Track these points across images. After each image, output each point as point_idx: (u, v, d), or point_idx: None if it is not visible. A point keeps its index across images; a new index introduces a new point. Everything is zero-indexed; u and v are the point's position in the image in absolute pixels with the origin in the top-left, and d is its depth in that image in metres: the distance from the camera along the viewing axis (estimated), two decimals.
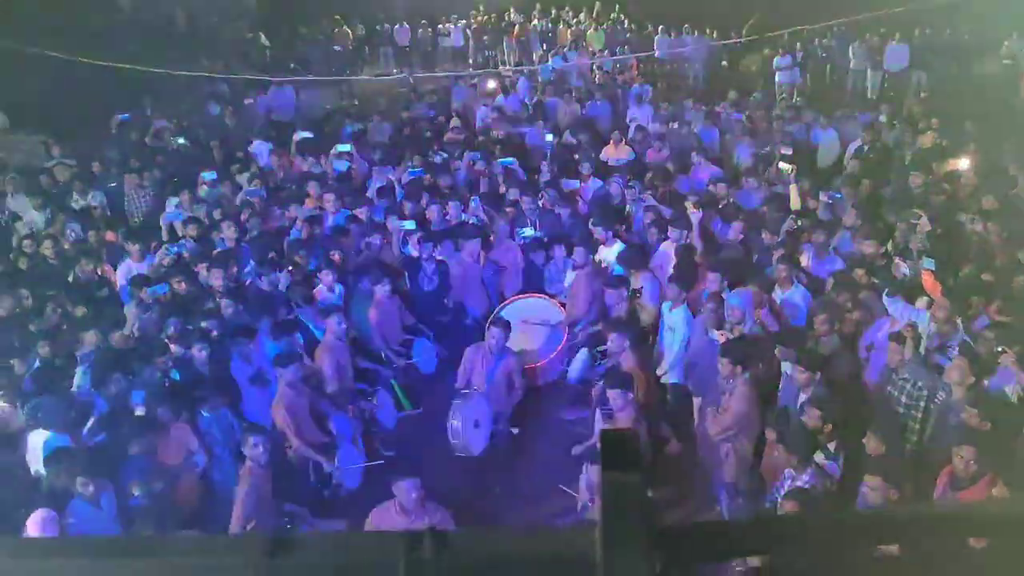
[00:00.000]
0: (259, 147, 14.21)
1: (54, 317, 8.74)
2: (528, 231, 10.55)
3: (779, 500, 6.41)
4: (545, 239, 10.37)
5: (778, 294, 8.71)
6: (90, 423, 7.38)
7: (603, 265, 9.92)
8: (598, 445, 1.20)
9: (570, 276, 9.91)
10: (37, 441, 6.97)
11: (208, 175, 11.92)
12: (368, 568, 1.16)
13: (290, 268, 9.59)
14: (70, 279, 9.83)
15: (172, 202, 11.63)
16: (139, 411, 7.42)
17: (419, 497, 6.39)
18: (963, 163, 10.95)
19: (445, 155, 13.23)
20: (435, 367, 9.76)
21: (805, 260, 9.33)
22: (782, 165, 11.37)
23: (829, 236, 9.40)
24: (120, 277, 9.93)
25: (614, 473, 1.14)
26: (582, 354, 9.26)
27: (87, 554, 1.25)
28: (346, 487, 8.02)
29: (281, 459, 7.54)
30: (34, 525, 5.96)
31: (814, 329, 8.08)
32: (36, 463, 6.83)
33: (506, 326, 8.54)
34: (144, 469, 6.92)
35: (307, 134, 13.49)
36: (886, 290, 8.07)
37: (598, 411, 8.04)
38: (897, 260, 8.49)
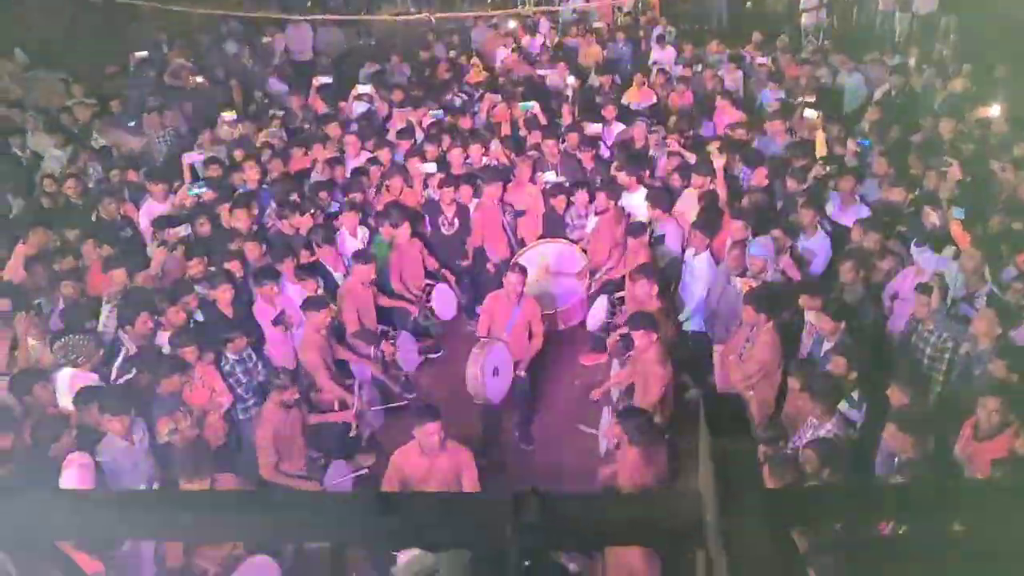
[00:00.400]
0: (276, 86, 14.07)
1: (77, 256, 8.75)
2: (550, 175, 10.45)
3: (800, 448, 6.44)
4: (567, 184, 10.26)
5: (801, 241, 8.64)
6: (118, 362, 7.45)
7: (625, 211, 9.84)
8: (701, 407, 1.19)
9: (592, 222, 9.84)
10: (65, 379, 7.04)
11: (228, 115, 11.80)
12: (475, 529, 1.16)
13: (312, 212, 9.53)
14: (94, 219, 9.81)
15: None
16: (165, 350, 7.48)
17: (440, 439, 6.46)
18: (994, 110, 10.74)
19: (466, 97, 13.06)
20: (454, 312, 9.75)
21: (831, 208, 9.23)
22: (808, 112, 11.17)
23: (856, 184, 9.28)
24: (143, 217, 9.91)
25: (724, 438, 1.13)
26: (601, 302, 9.24)
27: (190, 508, 1.25)
28: (368, 429, 8.10)
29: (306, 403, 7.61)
30: (71, 472, 6.06)
31: (839, 278, 8.04)
32: (65, 400, 6.91)
33: (523, 272, 8.45)
34: (172, 408, 7.00)
35: (327, 79, 13.29)
36: (914, 240, 7.99)
37: (615, 360, 8.09)
38: (926, 209, 8.39)
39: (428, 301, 9.52)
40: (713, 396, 1.22)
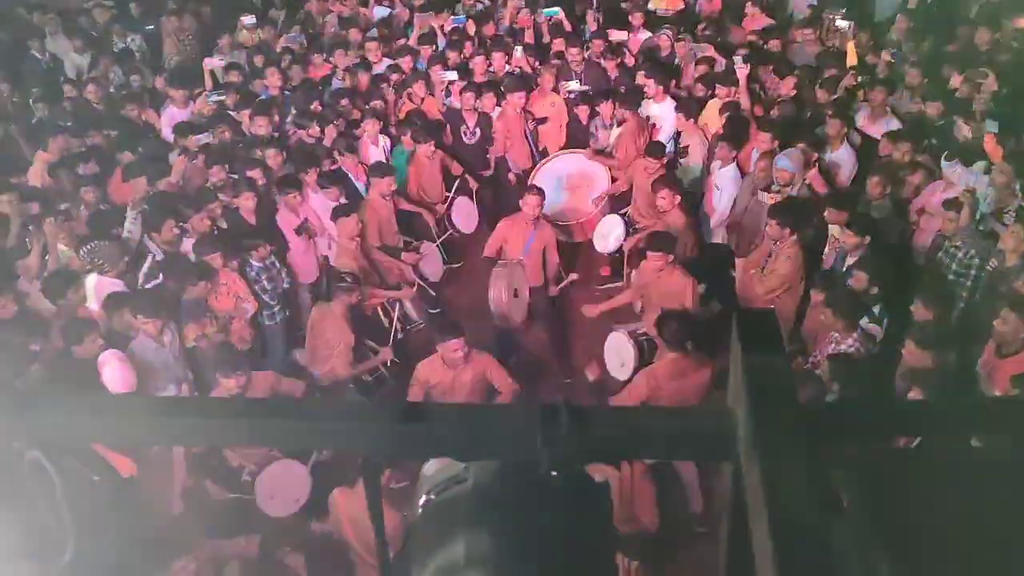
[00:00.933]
0: None
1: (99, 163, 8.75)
2: (573, 84, 10.24)
3: (821, 363, 6.46)
4: (591, 93, 10.06)
5: (828, 154, 8.48)
6: (144, 268, 7.51)
7: (651, 121, 9.66)
8: (733, 322, 1.18)
9: (616, 132, 9.68)
10: (92, 284, 7.13)
11: (248, 19, 11.58)
12: (507, 438, 1.17)
13: (334, 121, 9.42)
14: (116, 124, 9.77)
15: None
16: (191, 258, 7.53)
17: (464, 355, 6.54)
18: None
19: (488, 2, 12.71)
20: (475, 226, 9.67)
21: (861, 120, 9.03)
22: (839, 20, 10.83)
23: (887, 95, 9.05)
24: (164, 124, 9.85)
25: (756, 354, 1.12)
26: (613, 220, 9.07)
27: (218, 414, 1.27)
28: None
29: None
30: (112, 367, 6.17)
31: (866, 192, 7.91)
32: (94, 304, 7.01)
33: (541, 194, 8.21)
34: (199, 315, 7.09)
35: None
36: (944, 154, 7.83)
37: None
38: (958, 122, 8.19)
39: (449, 214, 9.44)
40: (745, 310, 1.20)
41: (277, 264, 7.93)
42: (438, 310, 8.89)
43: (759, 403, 1.10)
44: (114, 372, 6.19)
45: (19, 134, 9.83)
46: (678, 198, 8.12)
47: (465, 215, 9.60)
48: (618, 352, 7.35)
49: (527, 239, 8.23)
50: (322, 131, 9.34)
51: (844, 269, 7.25)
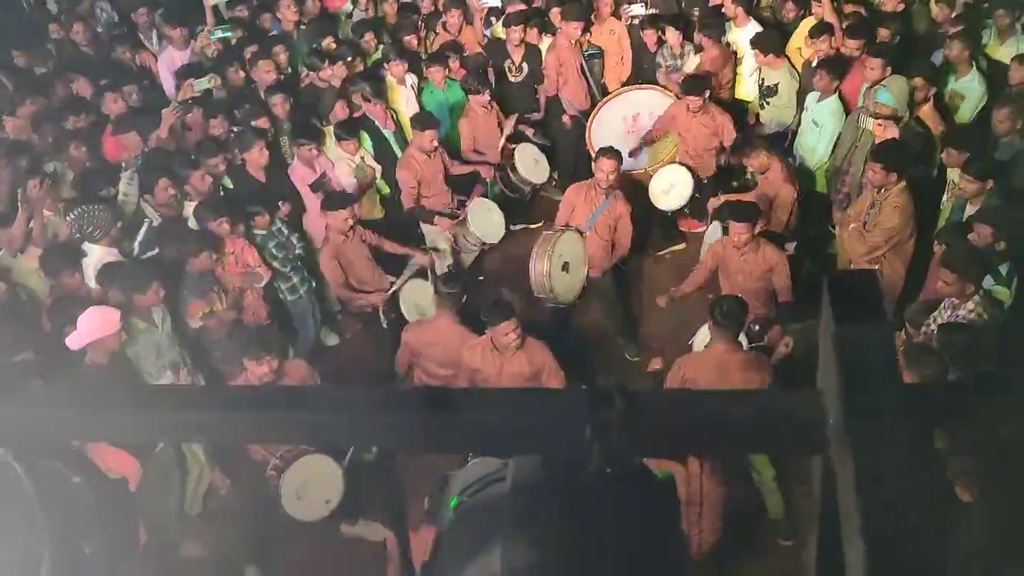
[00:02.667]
0: None
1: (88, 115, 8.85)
2: (637, 8, 10.09)
3: (931, 332, 6.34)
4: (658, 16, 9.91)
5: (950, 83, 8.26)
6: (140, 236, 7.61)
7: (731, 50, 9.50)
8: (824, 288, 1.13)
9: (692, 62, 9.53)
10: (91, 258, 7.20)
11: None
12: (550, 429, 1.15)
13: (350, 58, 9.39)
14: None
15: None
16: (192, 223, 7.62)
17: (518, 339, 6.53)
18: None
19: None
20: (546, 174, 9.46)
21: (987, 40, 8.78)
22: None
23: (1018, 14, 8.76)
24: (162, 68, 9.94)
25: (852, 324, 1.07)
26: (674, 171, 8.86)
27: (225, 406, 1.26)
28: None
29: None
30: (91, 323, 6.24)
31: (991, 128, 7.71)
32: (92, 281, 7.10)
33: (617, 158, 8.02)
34: (205, 289, 7.18)
35: None
36: None
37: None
38: None
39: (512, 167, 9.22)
40: (839, 272, 1.16)
41: (285, 231, 7.99)
42: (482, 278, 8.88)
43: (854, 383, 1.06)
44: (91, 316, 6.26)
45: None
46: (775, 157, 8.00)
47: (532, 160, 9.31)
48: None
49: (595, 209, 8.13)
50: (331, 74, 9.32)
51: (963, 220, 7.09)
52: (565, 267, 7.86)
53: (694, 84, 8.70)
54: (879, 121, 7.85)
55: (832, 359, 1.10)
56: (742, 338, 6.57)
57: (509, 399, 1.25)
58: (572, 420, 1.16)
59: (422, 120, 8.68)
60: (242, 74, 9.25)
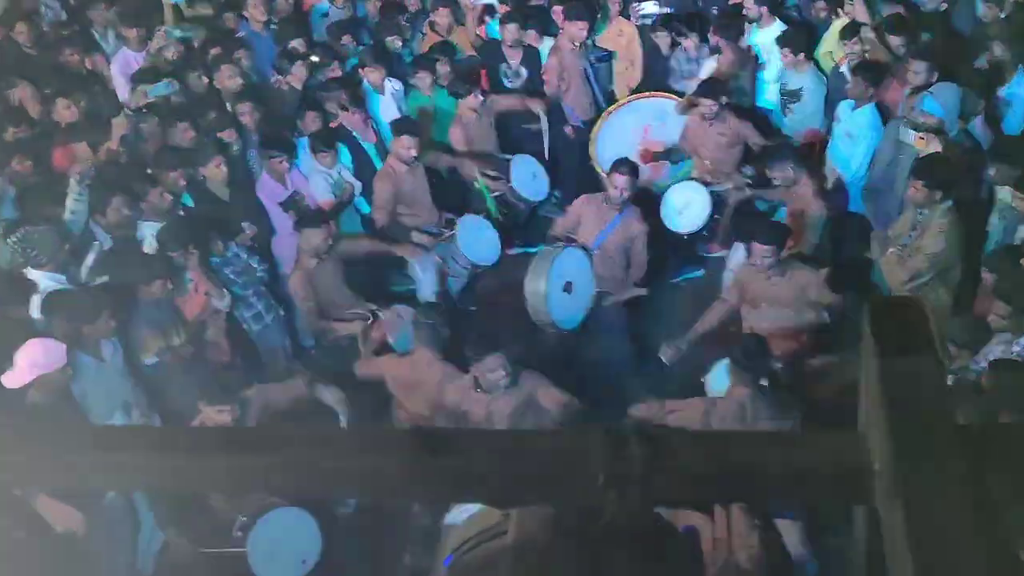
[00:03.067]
0: None
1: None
2: (649, 6, 10.17)
3: (982, 371, 6.33)
4: (673, 16, 9.99)
5: (1000, 90, 8.31)
6: (90, 260, 7.59)
7: (752, 53, 9.57)
8: (865, 316, 1.13)
9: (708, 67, 9.59)
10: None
11: None
12: (559, 475, 1.13)
13: (320, 60, 9.47)
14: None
15: None
16: (148, 245, 7.61)
17: (504, 376, 6.50)
18: None
19: None
20: (546, 189, 9.49)
21: None
22: None
23: None
24: (115, 72, 9.96)
25: (898, 358, 1.07)
26: (690, 189, 8.87)
27: (167, 448, 1.25)
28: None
29: None
30: (32, 357, 6.20)
31: None
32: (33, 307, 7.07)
33: (632, 172, 8.06)
34: (161, 320, 7.16)
35: None
36: None
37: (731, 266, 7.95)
38: None
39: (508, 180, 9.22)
40: (881, 299, 1.16)
41: (242, 255, 7.98)
42: (474, 308, 8.89)
43: (902, 424, 1.05)
44: (33, 350, 6.23)
45: None
46: (802, 170, 8.06)
47: (529, 174, 9.31)
48: None
49: (604, 226, 8.14)
50: (310, 74, 9.39)
51: (1017, 244, 7.11)
52: (567, 288, 7.85)
53: (709, 88, 8.76)
54: (920, 134, 7.88)
55: (876, 396, 1.10)
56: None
57: (513, 441, 1.25)
58: (584, 466, 1.16)
59: (399, 125, 8.73)
60: (205, 80, 9.27)
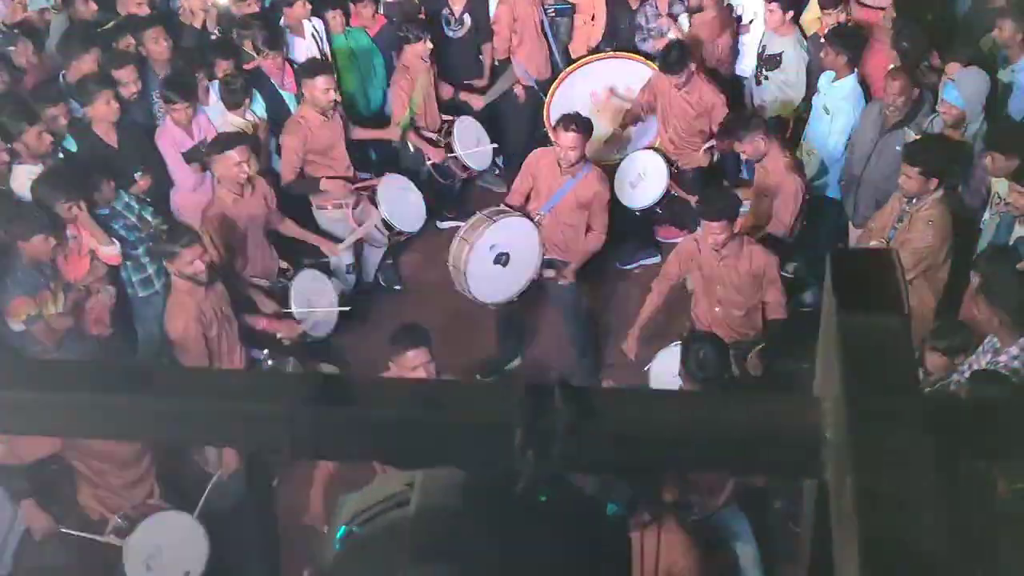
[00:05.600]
0: None
1: None
2: None
3: (961, 379, 6.41)
4: None
5: (1005, 74, 8.41)
6: None
7: (735, 11, 9.67)
8: (827, 270, 1.13)
9: (681, 26, 9.64)
10: None
11: None
12: (467, 437, 1.12)
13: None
14: None
15: None
16: (24, 196, 7.50)
17: (427, 376, 6.50)
18: None
19: None
20: (489, 159, 9.63)
21: None
22: None
23: None
24: None
25: (861, 315, 1.06)
26: (645, 158, 9.01)
27: (44, 384, 1.22)
28: (312, 334, 8.14)
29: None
30: None
31: None
32: None
33: (582, 130, 8.00)
34: (34, 283, 7.05)
35: None
36: None
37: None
38: None
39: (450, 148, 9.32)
40: (845, 250, 1.17)
41: (134, 206, 7.86)
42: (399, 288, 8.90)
43: (862, 388, 1.05)
44: None
45: None
46: (774, 143, 8.10)
47: (472, 140, 9.40)
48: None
49: (555, 189, 8.17)
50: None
51: (1011, 243, 7.21)
52: (502, 260, 7.97)
53: (670, 61, 8.71)
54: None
55: (834, 357, 1.11)
56: None
57: (423, 391, 1.24)
58: (500, 419, 1.15)
59: (310, 66, 8.70)
60: (93, 5, 9.13)
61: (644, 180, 8.80)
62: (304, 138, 8.49)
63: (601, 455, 1.18)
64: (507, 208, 8.21)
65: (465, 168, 9.36)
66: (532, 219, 8.14)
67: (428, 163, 9.26)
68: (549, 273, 8.26)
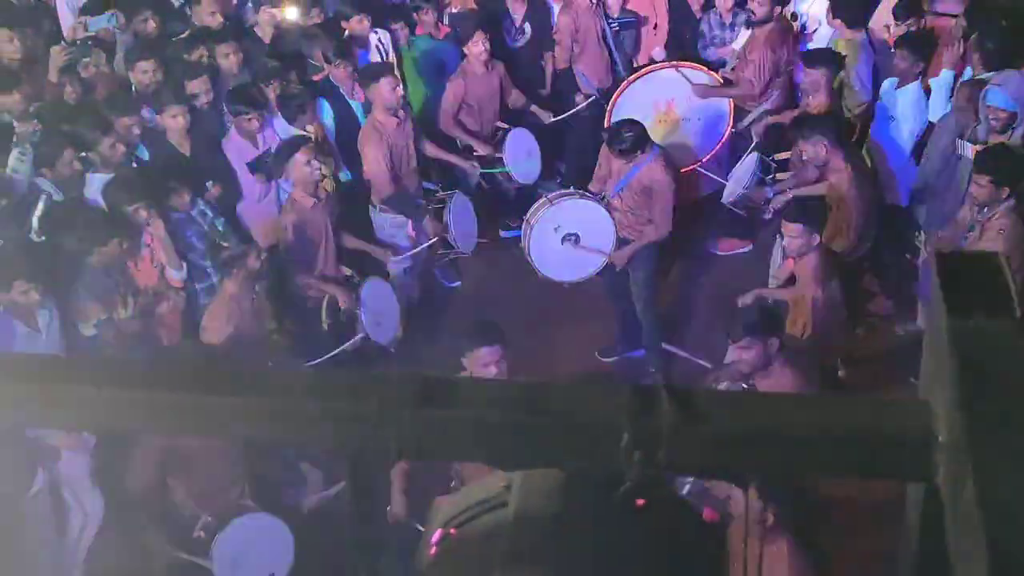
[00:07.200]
0: None
1: None
2: None
3: None
4: None
5: None
6: (35, 218, 7.53)
7: (795, 22, 9.56)
8: (928, 273, 1.11)
9: (743, 36, 9.61)
10: None
11: None
12: (568, 440, 1.12)
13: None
14: None
15: None
16: (99, 204, 7.56)
17: (499, 374, 6.50)
18: None
19: None
20: (538, 172, 9.58)
21: None
22: None
23: None
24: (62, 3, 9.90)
25: (969, 319, 1.05)
26: (749, 161, 8.97)
27: (122, 383, 1.23)
28: (375, 341, 8.10)
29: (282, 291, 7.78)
30: None
31: None
32: None
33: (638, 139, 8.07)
34: (107, 288, 7.12)
35: None
36: None
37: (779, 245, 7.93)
38: None
39: (499, 152, 9.31)
40: (952, 253, 1.16)
41: (208, 213, 7.93)
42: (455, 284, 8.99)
43: (978, 391, 1.04)
44: None
45: None
46: (830, 149, 8.02)
47: (523, 153, 9.38)
48: None
49: (623, 174, 8.17)
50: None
51: None
52: (571, 239, 8.06)
53: (821, 57, 8.86)
54: (977, 145, 7.82)
55: (945, 359, 1.09)
56: None
57: (525, 391, 1.23)
58: (607, 421, 1.14)
59: (372, 70, 8.72)
60: (152, 24, 9.19)
61: (737, 177, 8.94)
62: (384, 138, 8.49)
63: (706, 458, 1.18)
64: (570, 192, 8.32)
65: (511, 180, 9.40)
66: (600, 202, 8.19)
67: (477, 173, 9.29)
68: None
